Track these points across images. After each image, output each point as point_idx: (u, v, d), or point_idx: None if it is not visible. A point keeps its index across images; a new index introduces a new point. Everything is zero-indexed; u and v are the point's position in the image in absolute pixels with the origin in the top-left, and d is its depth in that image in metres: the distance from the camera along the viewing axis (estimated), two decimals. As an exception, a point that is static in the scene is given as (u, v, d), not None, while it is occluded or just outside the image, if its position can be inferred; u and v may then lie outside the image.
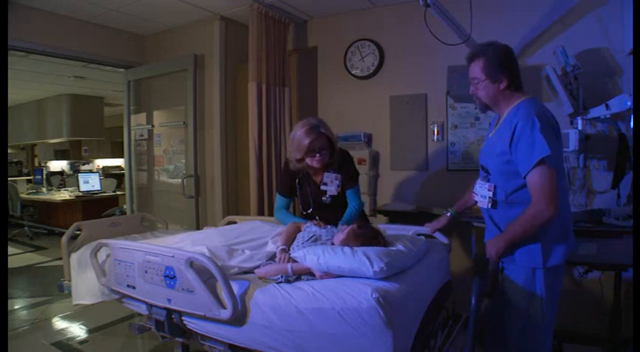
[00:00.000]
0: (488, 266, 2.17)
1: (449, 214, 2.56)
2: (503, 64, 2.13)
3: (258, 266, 2.16)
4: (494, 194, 2.17)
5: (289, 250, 2.20)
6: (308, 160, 2.66)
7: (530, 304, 2.13)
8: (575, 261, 2.68)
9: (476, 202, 2.33)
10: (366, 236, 2.09)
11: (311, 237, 2.26)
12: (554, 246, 2.08)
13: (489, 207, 2.19)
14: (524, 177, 2.01)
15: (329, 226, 2.40)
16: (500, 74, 2.12)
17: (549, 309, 2.17)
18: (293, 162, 2.73)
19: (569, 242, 2.15)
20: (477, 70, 2.16)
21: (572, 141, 3.03)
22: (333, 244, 2.10)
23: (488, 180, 2.20)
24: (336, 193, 2.76)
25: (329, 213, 2.74)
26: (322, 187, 2.78)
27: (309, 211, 2.84)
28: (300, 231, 2.39)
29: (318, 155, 2.62)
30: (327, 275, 1.84)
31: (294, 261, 2.00)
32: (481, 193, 2.22)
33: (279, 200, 2.93)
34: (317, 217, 2.64)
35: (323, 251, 1.89)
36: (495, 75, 2.12)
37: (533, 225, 1.99)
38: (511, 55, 2.17)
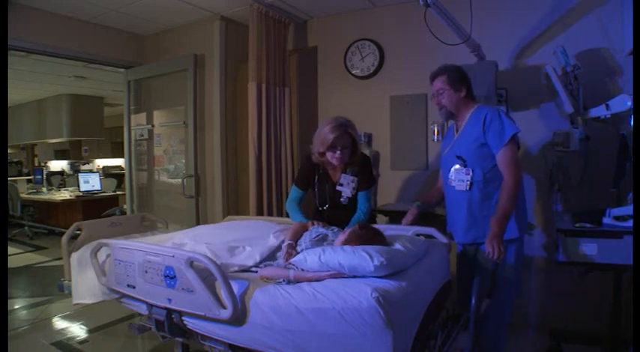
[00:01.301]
0: (486, 266, 2.19)
1: (415, 205, 2.86)
2: (462, 78, 2.65)
3: (259, 264, 2.17)
4: (471, 177, 2.57)
5: (296, 245, 2.24)
6: (328, 155, 2.71)
7: (503, 271, 2.53)
8: (576, 261, 2.67)
9: (439, 202, 2.89)
10: (367, 236, 2.09)
11: (318, 236, 2.29)
12: (521, 218, 2.60)
13: (468, 188, 2.58)
14: (497, 153, 2.48)
15: (336, 228, 2.43)
16: (460, 85, 2.63)
17: (518, 273, 2.67)
18: (315, 154, 2.78)
19: (527, 214, 2.73)
20: (440, 83, 2.65)
21: (573, 141, 3.02)
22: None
23: (465, 166, 2.59)
24: (350, 195, 2.83)
25: (343, 213, 2.82)
26: (338, 187, 2.84)
27: (324, 208, 2.89)
28: (306, 229, 2.43)
29: (339, 152, 2.68)
30: (331, 275, 1.83)
31: (299, 268, 1.98)
32: (459, 178, 2.61)
33: (293, 191, 2.96)
34: (326, 216, 2.81)
35: (323, 250, 1.90)
36: (457, 85, 2.62)
37: (516, 191, 2.44)
38: (465, 72, 2.69)
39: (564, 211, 3.17)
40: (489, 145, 2.51)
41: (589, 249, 2.63)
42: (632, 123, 2.83)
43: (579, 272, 2.90)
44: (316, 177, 2.90)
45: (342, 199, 2.84)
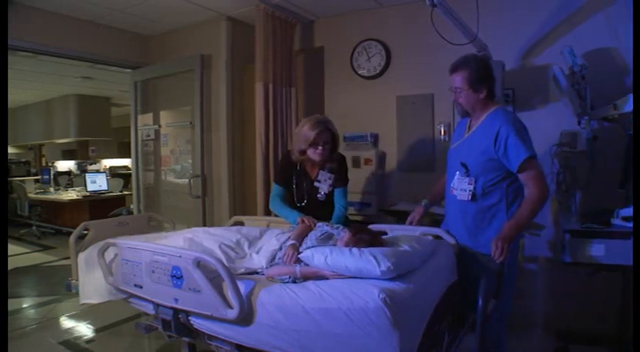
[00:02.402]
0: (493, 266, 2.18)
1: (423, 204, 2.83)
2: (484, 77, 2.45)
3: (264, 267, 2.17)
4: (474, 187, 2.47)
5: (300, 245, 2.22)
6: (310, 152, 2.82)
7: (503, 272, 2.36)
8: (583, 261, 2.66)
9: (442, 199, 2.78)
10: (364, 240, 2.06)
11: (324, 234, 2.28)
12: None
13: (469, 199, 2.48)
14: (517, 172, 2.35)
15: (340, 226, 2.42)
16: (481, 85, 2.43)
17: (515, 274, 2.64)
18: (295, 153, 2.89)
19: None
20: (460, 80, 2.44)
21: (580, 142, 3.01)
22: None
23: (468, 176, 2.48)
24: (327, 191, 2.95)
25: (320, 209, 2.92)
26: (315, 183, 2.95)
27: (302, 204, 2.96)
28: (311, 230, 2.42)
29: (320, 148, 2.79)
30: (338, 275, 1.83)
31: (304, 263, 1.99)
32: (461, 187, 2.51)
33: (275, 188, 3.05)
34: (304, 212, 2.80)
35: (331, 250, 1.89)
36: (477, 86, 2.43)
37: (540, 206, 2.33)
38: (491, 68, 2.49)
39: (571, 212, 3.16)
40: (507, 161, 2.37)
41: (597, 249, 2.62)
42: (632, 121, 2.83)
43: (587, 273, 2.89)
44: (294, 174, 2.98)
45: (319, 195, 2.95)
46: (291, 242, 2.25)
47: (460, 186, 2.52)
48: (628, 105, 2.73)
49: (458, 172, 2.53)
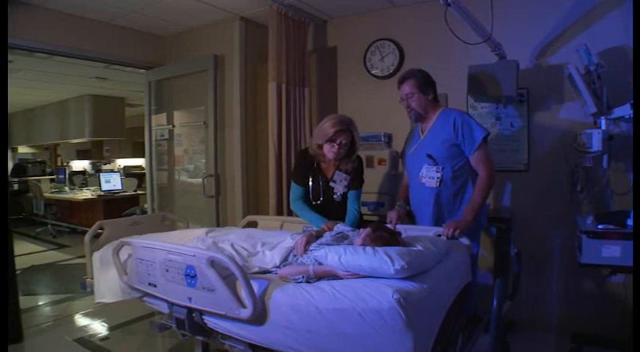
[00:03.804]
0: (510, 267, 2.16)
1: (398, 205, 3.02)
2: (429, 82, 2.87)
3: (279, 266, 2.18)
4: (442, 174, 2.77)
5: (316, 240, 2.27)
6: (326, 148, 2.83)
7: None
8: (599, 263, 2.63)
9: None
10: (382, 239, 2.07)
11: (339, 234, 2.30)
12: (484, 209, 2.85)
13: (438, 185, 2.79)
14: (471, 155, 2.71)
15: (361, 229, 2.43)
16: (428, 88, 2.84)
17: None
18: (313, 146, 2.92)
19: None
20: (409, 87, 2.83)
21: (596, 142, 2.96)
22: None
23: (436, 164, 2.79)
24: (342, 192, 2.97)
25: (335, 209, 2.96)
26: (331, 183, 2.96)
27: (318, 202, 2.98)
28: (329, 230, 2.48)
29: (337, 146, 2.79)
30: (352, 275, 1.83)
31: (318, 263, 1.99)
32: (429, 175, 2.81)
33: (295, 189, 3.03)
34: (319, 211, 2.90)
35: (345, 250, 1.89)
36: (425, 89, 2.83)
37: (489, 187, 2.71)
38: (430, 76, 2.89)
39: (587, 212, 3.12)
40: (461, 147, 2.74)
41: (613, 251, 2.58)
42: (632, 118, 2.81)
43: (603, 275, 2.86)
44: (310, 172, 2.99)
45: (335, 196, 2.97)
46: (308, 230, 2.30)
47: (429, 175, 2.82)
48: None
49: (426, 163, 2.83)
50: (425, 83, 2.83)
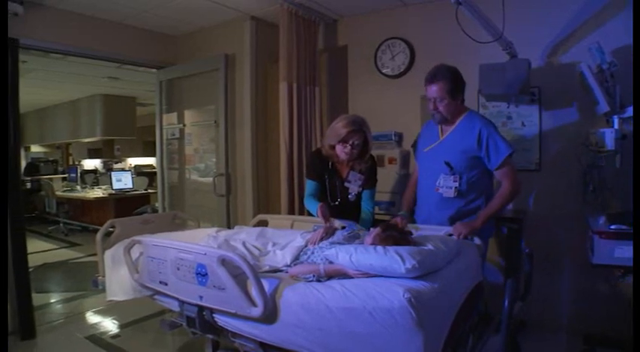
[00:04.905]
0: (522, 267, 2.15)
1: (401, 213, 2.96)
2: (460, 85, 2.71)
3: (290, 265, 2.18)
4: (459, 184, 2.68)
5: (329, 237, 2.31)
6: (338, 148, 2.82)
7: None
8: (611, 264, 2.60)
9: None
10: (394, 237, 2.07)
11: (351, 232, 2.30)
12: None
13: (455, 195, 2.70)
14: (496, 170, 2.65)
15: (372, 229, 2.44)
16: (459, 93, 2.70)
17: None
18: (326, 147, 2.90)
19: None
20: (440, 91, 2.65)
21: (609, 141, 2.94)
22: None
23: (453, 173, 2.69)
24: (357, 192, 2.97)
25: (352, 209, 2.96)
26: (346, 184, 2.96)
27: (336, 203, 2.97)
28: (343, 228, 2.48)
29: (349, 147, 2.78)
30: (363, 274, 1.83)
31: (328, 261, 2.00)
32: (447, 185, 2.71)
33: (309, 185, 3.02)
34: (337, 212, 2.81)
35: (355, 249, 1.89)
36: (455, 94, 2.68)
37: (511, 199, 2.68)
38: (461, 75, 2.73)
39: (599, 212, 3.09)
40: (483, 161, 2.67)
41: (625, 251, 2.56)
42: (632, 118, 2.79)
43: (616, 276, 2.83)
44: (326, 173, 2.98)
45: (350, 196, 2.97)
46: (325, 226, 2.36)
47: (446, 184, 2.72)
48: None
49: (443, 173, 2.73)
50: (456, 87, 2.69)
